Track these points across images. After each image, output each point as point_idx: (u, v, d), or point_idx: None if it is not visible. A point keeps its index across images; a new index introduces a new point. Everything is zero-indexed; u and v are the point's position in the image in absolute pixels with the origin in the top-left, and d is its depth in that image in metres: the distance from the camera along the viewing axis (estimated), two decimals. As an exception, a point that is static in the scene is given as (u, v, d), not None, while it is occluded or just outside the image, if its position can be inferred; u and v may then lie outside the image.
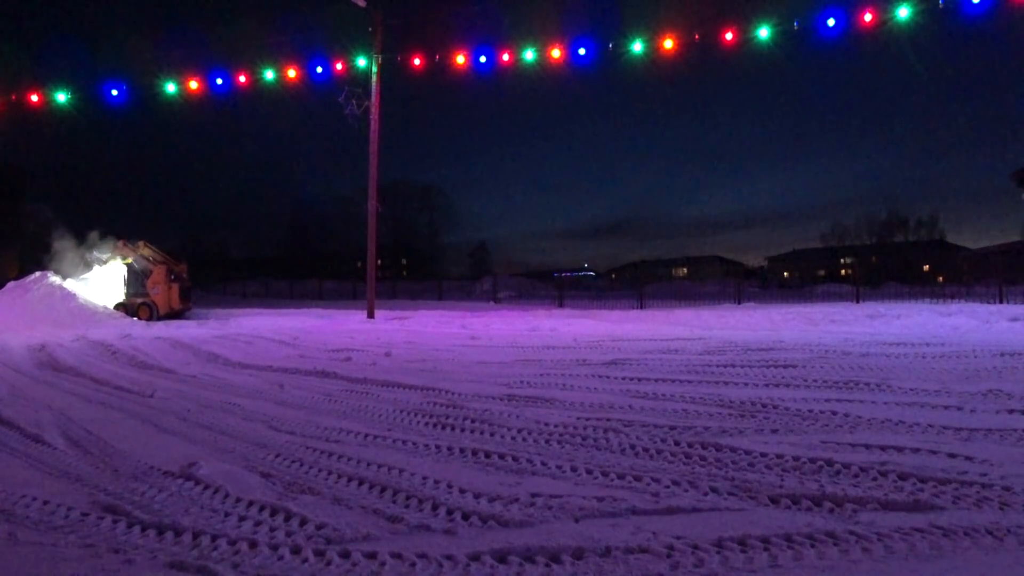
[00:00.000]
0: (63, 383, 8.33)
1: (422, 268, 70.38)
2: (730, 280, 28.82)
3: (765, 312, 16.79)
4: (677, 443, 4.72)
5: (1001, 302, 18.59)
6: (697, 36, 17.56)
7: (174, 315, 21.22)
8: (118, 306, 20.98)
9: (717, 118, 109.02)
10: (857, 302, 20.45)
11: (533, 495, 3.70)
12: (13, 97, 22.47)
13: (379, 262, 23.48)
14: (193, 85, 21.04)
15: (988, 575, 2.66)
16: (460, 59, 19.23)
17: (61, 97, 22.07)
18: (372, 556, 2.93)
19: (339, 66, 20.15)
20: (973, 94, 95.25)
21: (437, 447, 4.82)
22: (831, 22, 16.53)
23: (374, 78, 20.06)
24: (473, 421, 5.61)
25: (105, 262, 21.67)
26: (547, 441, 4.91)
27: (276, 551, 3.02)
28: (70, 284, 20.81)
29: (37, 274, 20.57)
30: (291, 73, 20.36)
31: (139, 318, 20.35)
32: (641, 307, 22.77)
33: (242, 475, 4.22)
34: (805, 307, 18.21)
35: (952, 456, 4.24)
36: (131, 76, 22.27)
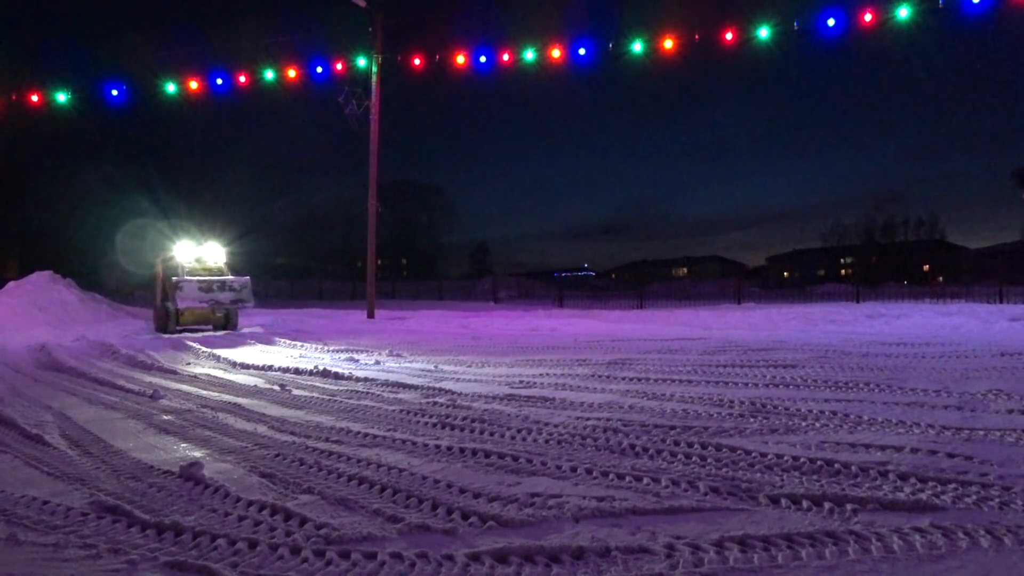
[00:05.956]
0: (63, 383, 8.33)
1: (422, 268, 70.16)
2: (730, 280, 28.84)
3: (765, 312, 16.80)
4: (677, 443, 4.72)
5: (1001, 302, 18.59)
6: (697, 36, 17.55)
7: None
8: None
9: (717, 118, 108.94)
10: (857, 302, 20.46)
11: (533, 495, 3.70)
12: (13, 97, 22.44)
13: (379, 262, 23.45)
14: (193, 85, 21.02)
15: (988, 575, 2.66)
16: (460, 59, 19.23)
17: (61, 97, 22.05)
18: (372, 556, 2.93)
19: (339, 66, 20.14)
20: (973, 94, 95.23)
21: (437, 447, 4.82)
22: (831, 22, 16.52)
23: (374, 78, 20.05)
24: (473, 421, 5.61)
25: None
26: (547, 441, 4.91)
27: (276, 551, 3.02)
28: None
29: (37, 274, 20.52)
30: (291, 73, 20.34)
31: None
32: (641, 307, 22.77)
33: (242, 475, 4.22)
34: (805, 307, 18.21)
35: (952, 456, 4.24)
36: (130, 76, 22.19)
